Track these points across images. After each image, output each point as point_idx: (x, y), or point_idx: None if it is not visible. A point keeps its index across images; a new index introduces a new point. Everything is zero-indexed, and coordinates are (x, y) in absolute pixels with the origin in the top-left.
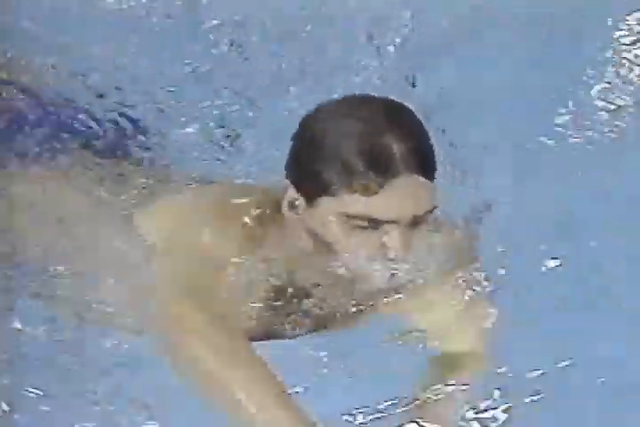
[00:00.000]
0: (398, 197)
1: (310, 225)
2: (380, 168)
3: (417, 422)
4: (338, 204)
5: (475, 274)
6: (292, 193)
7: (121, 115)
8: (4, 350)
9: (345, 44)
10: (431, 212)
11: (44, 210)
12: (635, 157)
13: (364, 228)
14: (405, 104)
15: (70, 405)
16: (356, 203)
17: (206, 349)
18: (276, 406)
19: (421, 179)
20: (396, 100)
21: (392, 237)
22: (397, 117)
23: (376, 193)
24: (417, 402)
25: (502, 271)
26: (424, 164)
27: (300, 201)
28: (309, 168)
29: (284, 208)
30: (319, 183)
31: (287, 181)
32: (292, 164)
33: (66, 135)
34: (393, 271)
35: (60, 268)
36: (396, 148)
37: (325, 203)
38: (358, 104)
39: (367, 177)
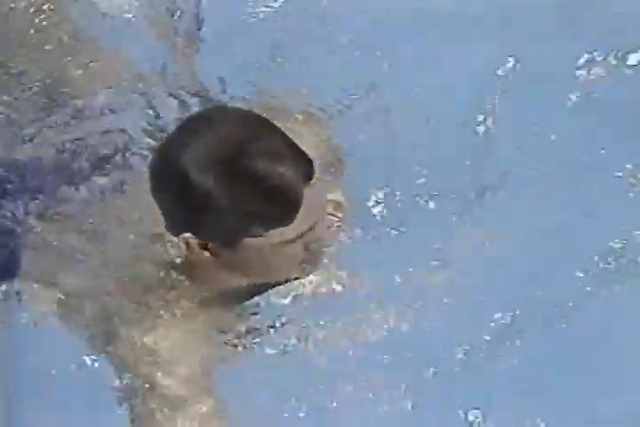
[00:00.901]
0: (309, 207)
1: (235, 259)
2: (287, 201)
3: None
4: (265, 239)
5: None
6: (193, 242)
7: None
8: None
9: None
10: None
11: None
12: None
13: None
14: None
15: None
16: (281, 233)
17: None
18: None
19: (313, 180)
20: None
21: (313, 240)
22: (260, 139)
23: (295, 216)
24: None
25: None
26: (308, 168)
27: (214, 246)
28: (220, 223)
29: (197, 254)
30: (238, 232)
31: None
32: (189, 223)
33: None
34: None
35: None
36: (284, 172)
37: (249, 242)
38: (221, 143)
39: (281, 217)
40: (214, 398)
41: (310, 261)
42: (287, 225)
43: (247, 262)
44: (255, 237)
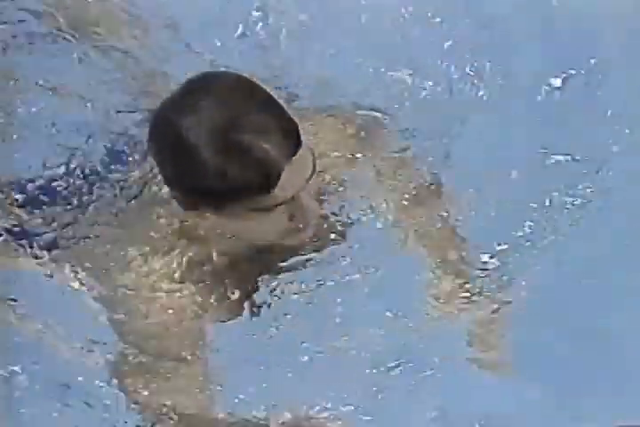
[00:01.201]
0: (290, 180)
1: (222, 222)
2: (266, 175)
3: None
4: (244, 205)
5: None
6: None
7: None
8: None
9: None
10: (314, 172)
11: None
12: None
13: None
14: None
15: None
16: (261, 200)
17: None
18: None
19: (297, 155)
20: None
21: (297, 210)
22: (254, 112)
23: (274, 188)
24: None
25: None
26: (294, 144)
27: (202, 207)
28: (206, 186)
29: (192, 217)
30: (221, 196)
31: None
32: (180, 182)
33: None
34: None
35: None
36: (269, 149)
37: (232, 206)
38: (214, 115)
39: (260, 187)
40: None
41: (296, 229)
42: (267, 194)
43: (231, 224)
44: (238, 201)
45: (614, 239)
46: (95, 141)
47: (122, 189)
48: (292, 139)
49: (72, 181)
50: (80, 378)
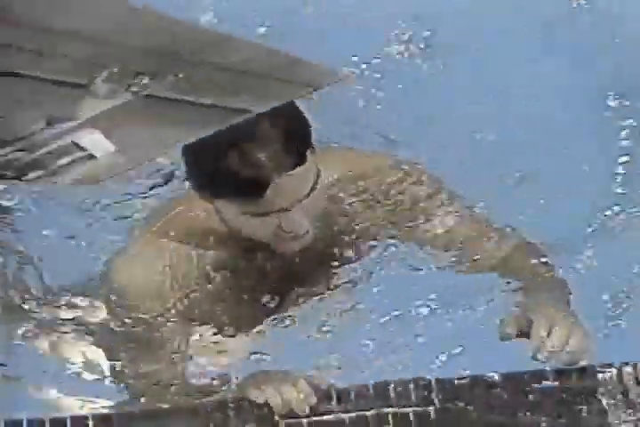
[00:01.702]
0: (280, 192)
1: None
2: (255, 183)
3: None
4: (236, 204)
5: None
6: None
7: None
8: None
9: None
10: (314, 188)
11: None
12: None
13: (260, 215)
14: None
15: None
16: (247, 205)
17: None
18: None
19: (296, 170)
20: None
21: (285, 221)
22: (267, 120)
23: (261, 197)
24: None
25: None
26: (293, 160)
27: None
28: (204, 180)
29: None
30: (212, 194)
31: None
32: (188, 168)
33: None
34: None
35: None
36: (263, 159)
37: (222, 203)
38: None
39: (248, 196)
40: None
41: (283, 239)
42: (255, 200)
43: (225, 219)
44: (229, 199)
45: None
46: None
47: None
48: (292, 154)
49: None
50: None
